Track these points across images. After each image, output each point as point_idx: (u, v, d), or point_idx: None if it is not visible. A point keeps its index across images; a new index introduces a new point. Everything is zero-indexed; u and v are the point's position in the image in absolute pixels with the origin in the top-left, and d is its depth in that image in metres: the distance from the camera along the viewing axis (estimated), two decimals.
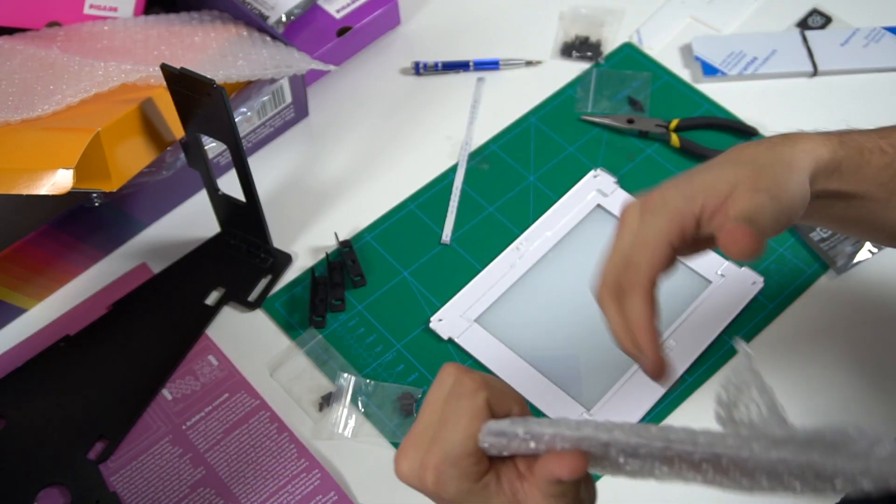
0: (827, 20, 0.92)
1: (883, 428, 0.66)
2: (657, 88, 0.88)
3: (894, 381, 0.70)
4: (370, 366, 0.73)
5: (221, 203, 0.76)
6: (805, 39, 0.89)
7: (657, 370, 0.47)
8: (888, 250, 0.75)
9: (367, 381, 0.71)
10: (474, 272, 0.76)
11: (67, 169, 0.60)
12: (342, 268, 0.77)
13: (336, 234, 0.79)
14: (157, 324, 0.76)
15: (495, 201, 0.81)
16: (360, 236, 0.80)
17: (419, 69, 0.90)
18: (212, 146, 0.75)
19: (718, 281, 0.74)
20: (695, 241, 0.50)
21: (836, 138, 0.52)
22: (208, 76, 0.62)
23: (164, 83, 0.65)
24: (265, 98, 0.79)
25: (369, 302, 0.76)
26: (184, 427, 0.70)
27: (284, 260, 0.78)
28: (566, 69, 0.90)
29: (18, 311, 0.77)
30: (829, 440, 0.39)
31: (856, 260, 0.75)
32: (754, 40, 0.90)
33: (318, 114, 0.89)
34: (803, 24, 0.91)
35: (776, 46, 0.89)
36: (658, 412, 0.69)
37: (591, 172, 0.82)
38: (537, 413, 0.69)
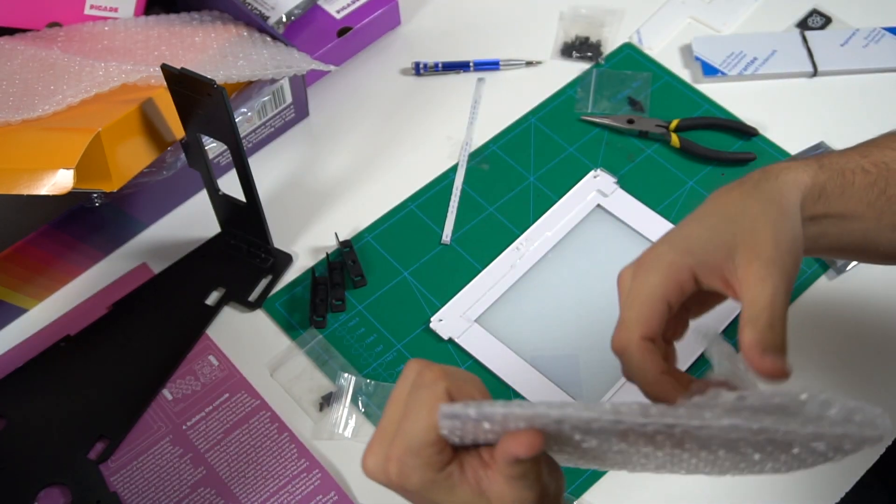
0: (827, 20, 0.92)
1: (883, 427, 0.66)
2: (657, 89, 0.88)
3: (894, 381, 0.70)
4: (370, 366, 0.73)
5: (222, 203, 0.76)
6: (805, 40, 0.89)
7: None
8: None
9: (368, 381, 0.71)
10: (474, 272, 0.77)
11: (68, 169, 0.60)
12: (342, 268, 0.77)
13: (336, 235, 0.80)
14: (158, 324, 0.76)
15: (495, 201, 0.81)
16: (360, 236, 0.80)
17: (419, 69, 0.90)
18: (212, 146, 0.75)
19: None
20: (700, 299, 0.50)
21: (814, 163, 0.52)
22: (209, 76, 0.62)
23: (165, 83, 0.65)
24: (265, 98, 0.79)
25: (369, 302, 0.76)
26: (184, 427, 0.70)
27: (285, 260, 0.78)
28: (566, 69, 0.90)
29: (19, 311, 0.77)
30: (781, 406, 0.39)
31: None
32: (754, 40, 0.90)
33: (319, 114, 0.89)
34: (803, 25, 0.91)
35: (776, 47, 0.89)
36: None
37: (592, 173, 0.82)
38: None
